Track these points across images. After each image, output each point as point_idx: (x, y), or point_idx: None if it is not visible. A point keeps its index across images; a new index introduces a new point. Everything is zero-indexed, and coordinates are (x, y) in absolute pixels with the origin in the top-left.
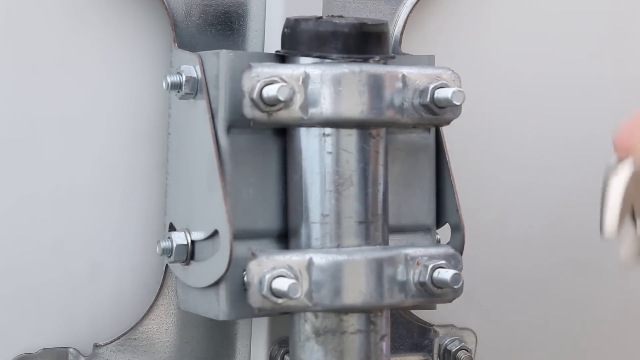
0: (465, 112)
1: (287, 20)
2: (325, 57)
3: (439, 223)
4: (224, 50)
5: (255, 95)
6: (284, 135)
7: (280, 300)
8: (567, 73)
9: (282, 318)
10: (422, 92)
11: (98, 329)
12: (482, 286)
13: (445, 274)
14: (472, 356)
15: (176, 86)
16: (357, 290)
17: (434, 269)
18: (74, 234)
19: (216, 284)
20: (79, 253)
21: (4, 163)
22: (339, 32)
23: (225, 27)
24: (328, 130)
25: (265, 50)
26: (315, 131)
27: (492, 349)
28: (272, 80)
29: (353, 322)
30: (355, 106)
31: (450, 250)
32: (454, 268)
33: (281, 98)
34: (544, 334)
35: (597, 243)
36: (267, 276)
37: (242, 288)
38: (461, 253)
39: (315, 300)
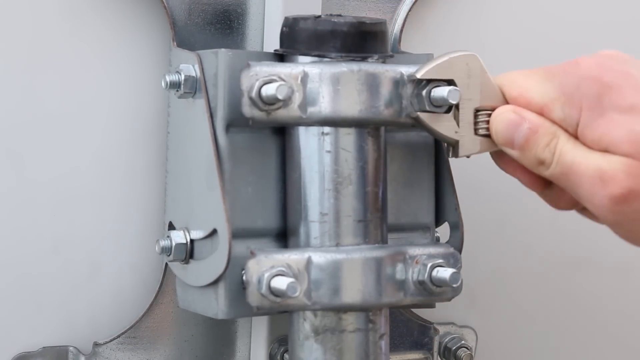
0: None
1: (286, 19)
2: (323, 56)
3: (438, 221)
4: (223, 49)
5: (254, 94)
6: (282, 134)
7: (279, 299)
8: None
9: (281, 316)
10: (419, 91)
11: (98, 328)
12: (482, 284)
13: (444, 272)
14: (473, 354)
15: (175, 85)
16: (355, 288)
17: (432, 267)
18: (74, 233)
19: (215, 282)
20: (78, 252)
21: (4, 162)
22: (338, 31)
23: (224, 26)
24: (327, 129)
25: (265, 49)
26: (314, 130)
27: (492, 346)
28: (271, 79)
29: (352, 320)
30: (354, 105)
31: (450, 249)
32: (453, 267)
33: (280, 97)
34: (543, 332)
35: (597, 242)
36: (266, 275)
37: (241, 287)
38: (460, 251)
39: (314, 299)
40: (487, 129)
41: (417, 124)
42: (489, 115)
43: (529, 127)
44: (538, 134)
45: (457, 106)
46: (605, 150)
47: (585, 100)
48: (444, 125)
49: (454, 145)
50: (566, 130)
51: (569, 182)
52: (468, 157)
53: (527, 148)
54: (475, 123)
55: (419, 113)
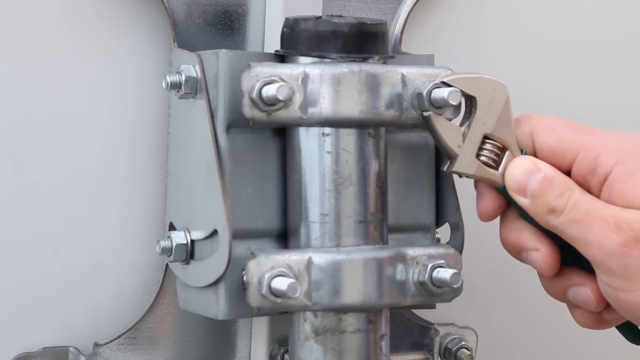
0: None
1: (287, 19)
2: (324, 57)
3: (438, 222)
4: (224, 50)
5: (254, 94)
6: (283, 135)
7: (279, 300)
8: (568, 72)
9: (282, 317)
10: (420, 92)
11: (98, 328)
12: (483, 285)
13: (445, 273)
14: (473, 355)
15: (176, 86)
16: (356, 289)
17: (433, 268)
18: (75, 233)
19: (215, 283)
20: (79, 252)
21: (4, 163)
22: (338, 31)
23: (225, 27)
24: (327, 129)
25: (265, 50)
26: (315, 131)
27: (493, 347)
28: (272, 80)
29: (352, 321)
30: (355, 106)
31: (450, 250)
32: (454, 267)
33: (280, 98)
34: (544, 332)
35: None
36: (266, 275)
37: (242, 287)
38: (461, 252)
39: (314, 299)
40: (490, 157)
41: (425, 124)
42: (496, 146)
43: (543, 176)
44: (553, 183)
45: (469, 124)
46: (628, 206)
47: (623, 155)
48: (450, 134)
49: (451, 158)
50: (588, 186)
51: (579, 229)
52: (460, 176)
53: (539, 195)
54: (480, 148)
55: (431, 113)
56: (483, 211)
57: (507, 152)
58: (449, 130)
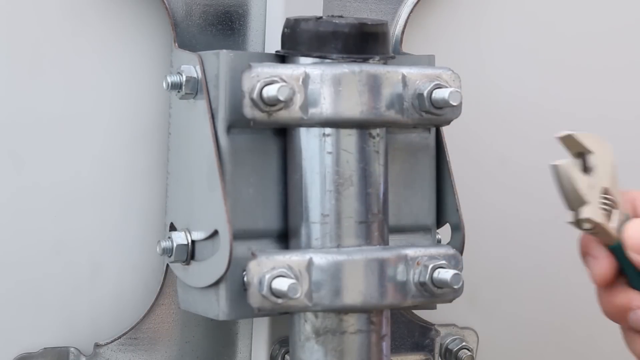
0: (465, 111)
1: (287, 20)
2: (325, 57)
3: (439, 223)
4: (224, 51)
5: (255, 95)
6: (284, 135)
7: (280, 300)
8: (570, 72)
9: (283, 317)
10: (421, 92)
11: (99, 329)
12: (484, 285)
13: (446, 274)
14: (474, 355)
15: (176, 86)
16: (357, 290)
17: (434, 269)
18: (75, 234)
19: (216, 283)
20: (79, 253)
21: (5, 163)
22: (339, 32)
23: (226, 27)
24: (328, 130)
25: (266, 50)
26: (315, 131)
27: (494, 348)
28: (272, 80)
29: (353, 322)
30: (355, 106)
31: (451, 250)
32: (454, 268)
33: (281, 98)
34: (545, 333)
35: None
36: (267, 276)
37: (242, 288)
38: (461, 253)
39: (315, 300)
40: (607, 211)
41: (553, 174)
42: (611, 201)
43: None
44: None
45: (590, 176)
46: None
47: None
48: (581, 182)
49: (575, 207)
50: None
51: None
52: (582, 227)
53: None
54: (599, 201)
55: (564, 162)
56: (601, 274)
57: (617, 210)
58: (580, 178)
